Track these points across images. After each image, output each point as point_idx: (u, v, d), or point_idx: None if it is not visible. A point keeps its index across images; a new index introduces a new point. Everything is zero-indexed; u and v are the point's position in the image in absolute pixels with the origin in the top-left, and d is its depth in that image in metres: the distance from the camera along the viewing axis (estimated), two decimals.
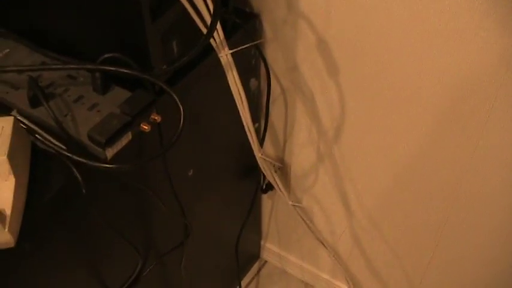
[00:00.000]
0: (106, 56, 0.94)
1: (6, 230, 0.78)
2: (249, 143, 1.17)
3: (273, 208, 1.66)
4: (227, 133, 1.30)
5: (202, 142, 1.21)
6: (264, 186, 1.50)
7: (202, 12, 0.93)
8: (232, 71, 1.00)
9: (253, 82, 1.27)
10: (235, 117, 1.12)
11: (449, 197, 1.22)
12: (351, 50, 1.14)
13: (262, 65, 1.25)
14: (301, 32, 1.18)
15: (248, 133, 1.10)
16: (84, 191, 0.89)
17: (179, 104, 0.89)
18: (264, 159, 1.17)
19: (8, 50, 1.08)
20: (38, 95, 0.94)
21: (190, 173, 1.20)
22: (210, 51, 1.01)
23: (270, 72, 1.22)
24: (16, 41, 1.09)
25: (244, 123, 1.07)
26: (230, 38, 1.03)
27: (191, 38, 0.99)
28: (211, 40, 0.97)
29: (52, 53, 1.04)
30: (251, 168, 1.43)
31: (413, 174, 1.25)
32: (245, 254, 1.69)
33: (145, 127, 0.93)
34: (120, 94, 0.98)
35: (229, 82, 1.01)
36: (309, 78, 1.25)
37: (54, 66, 1.00)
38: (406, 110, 1.15)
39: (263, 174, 1.36)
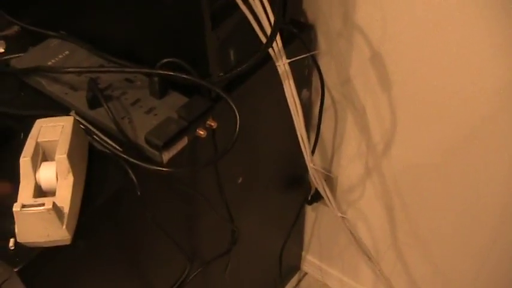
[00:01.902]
0: (165, 60, 0.95)
1: (64, 227, 0.80)
2: (298, 154, 1.17)
3: (317, 220, 1.66)
4: (278, 142, 1.30)
5: (253, 150, 1.22)
6: (310, 198, 1.50)
7: (262, 21, 0.94)
8: (289, 80, 1.00)
9: (305, 93, 1.28)
10: (286, 127, 1.13)
11: (500, 216, 1.21)
12: (405, 65, 1.14)
13: (314, 76, 1.26)
14: (356, 45, 1.19)
15: (301, 143, 1.10)
16: (139, 193, 0.90)
17: (236, 111, 0.90)
18: (316, 169, 1.17)
19: (67, 52, 1.10)
20: (98, 96, 0.96)
21: (240, 180, 1.21)
22: (266, 60, 1.01)
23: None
24: (76, 43, 1.10)
25: (298, 134, 1.08)
26: (286, 47, 1.03)
27: (248, 45, 1.00)
28: (270, 49, 0.97)
29: (110, 56, 1.06)
30: (298, 179, 1.43)
31: (463, 191, 1.24)
32: (286, 264, 1.69)
33: (202, 132, 0.94)
34: (176, 99, 0.99)
35: (286, 92, 1.02)
36: (361, 91, 1.25)
37: (113, 69, 1.02)
38: (459, 126, 1.14)
39: (310, 185, 1.36)
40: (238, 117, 0.91)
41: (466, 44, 1.02)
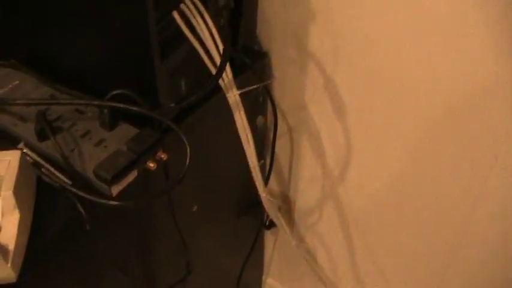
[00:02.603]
0: (114, 92, 0.94)
1: (9, 265, 0.78)
2: (254, 180, 1.16)
3: (276, 244, 1.66)
4: (232, 170, 1.30)
5: (207, 178, 1.21)
6: (268, 223, 1.49)
7: (211, 52, 0.94)
8: (239, 111, 1.00)
9: (259, 119, 1.28)
10: (240, 154, 1.12)
11: (453, 242, 1.22)
12: (359, 90, 1.15)
13: (269, 102, 1.26)
14: (309, 72, 1.19)
15: (254, 173, 1.10)
16: (88, 227, 0.88)
17: (186, 144, 0.90)
18: (269, 199, 1.16)
19: (17, 82, 1.08)
20: (46, 129, 0.95)
21: (194, 209, 1.20)
22: (217, 90, 1.01)
23: (277, 110, 1.22)
24: (25, 72, 1.09)
25: (250, 163, 1.07)
26: (238, 76, 1.03)
27: (199, 75, 1.00)
28: (220, 80, 0.97)
29: (61, 86, 1.05)
30: (255, 204, 1.42)
31: (417, 216, 1.25)
32: None
33: (152, 165, 0.93)
34: (127, 130, 0.98)
35: (237, 122, 1.02)
36: (316, 117, 1.25)
37: (62, 101, 1.01)
38: (412, 153, 1.14)
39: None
40: (188, 149, 0.90)
41: (423, 68, 1.03)
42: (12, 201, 0.82)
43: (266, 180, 1.27)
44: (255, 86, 1.04)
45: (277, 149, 1.36)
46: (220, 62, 0.91)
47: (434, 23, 0.97)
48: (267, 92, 1.16)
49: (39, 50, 1.09)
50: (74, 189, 0.89)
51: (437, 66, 1.01)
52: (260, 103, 1.26)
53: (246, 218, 1.49)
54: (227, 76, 0.97)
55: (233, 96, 0.98)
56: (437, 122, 1.08)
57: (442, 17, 0.95)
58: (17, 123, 1.01)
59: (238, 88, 0.99)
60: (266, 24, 1.19)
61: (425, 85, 1.04)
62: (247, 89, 1.00)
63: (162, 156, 0.95)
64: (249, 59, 1.13)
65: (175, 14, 0.90)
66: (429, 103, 1.06)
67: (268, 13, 1.18)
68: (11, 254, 0.79)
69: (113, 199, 0.89)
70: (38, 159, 0.96)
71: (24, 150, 0.97)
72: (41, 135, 0.96)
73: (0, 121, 1.01)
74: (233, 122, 1.06)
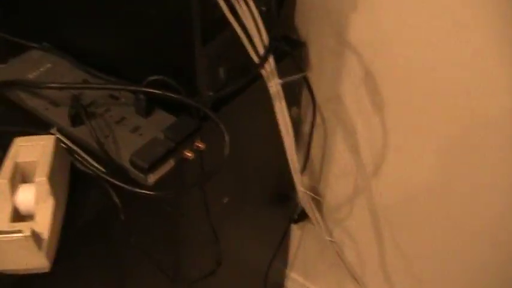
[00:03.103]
0: (152, 78, 0.91)
1: (43, 253, 0.75)
2: (285, 172, 1.13)
3: (302, 238, 1.63)
4: (265, 161, 1.27)
5: (241, 170, 1.18)
6: (297, 217, 1.46)
7: (254, 39, 0.91)
8: (280, 101, 0.97)
9: (294, 110, 1.24)
10: (275, 145, 1.09)
11: (490, 239, 1.18)
12: (397, 84, 1.12)
13: (304, 93, 1.22)
14: (348, 63, 1.16)
15: (291, 167, 1.07)
16: (122, 217, 0.86)
17: (226, 134, 0.86)
18: (306, 192, 1.13)
19: (49, 65, 1.06)
20: (81, 114, 0.92)
21: (225, 200, 1.17)
22: (257, 78, 0.98)
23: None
24: (58, 56, 1.06)
25: (289, 157, 1.04)
26: (277, 65, 1.00)
27: (238, 62, 0.96)
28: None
29: (94, 71, 1.02)
30: (284, 197, 1.40)
31: (453, 214, 1.21)
32: (270, 282, 1.65)
33: (189, 154, 0.90)
34: (163, 118, 0.95)
35: (277, 113, 0.98)
36: (352, 110, 1.22)
37: (97, 85, 0.98)
38: (452, 149, 1.11)
39: (296, 203, 1.33)
40: (227, 140, 0.87)
41: (461, 65, 0.99)
42: (46, 188, 0.79)
43: (301, 171, 1.24)
44: (297, 76, 1.00)
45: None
46: (264, 52, 0.88)
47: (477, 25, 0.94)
48: (307, 84, 1.12)
49: (73, 34, 1.06)
50: (108, 178, 0.86)
51: (481, 67, 0.97)
52: (296, 94, 1.23)
53: (275, 211, 1.46)
54: (269, 65, 0.93)
55: (275, 86, 0.95)
56: (475, 122, 1.04)
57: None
58: (48, 107, 0.98)
59: (279, 77, 0.95)
60: (304, 13, 1.16)
61: (464, 85, 1.01)
62: (289, 78, 0.97)
63: (200, 145, 0.92)
64: (288, 46, 1.09)
65: (220, 0, 0.86)
66: (468, 103, 1.02)
67: (307, 2, 1.14)
68: (45, 242, 0.76)
69: (150, 189, 0.86)
70: (71, 145, 0.93)
71: (57, 135, 0.94)
72: (75, 120, 0.94)
73: (31, 105, 0.99)
74: (270, 111, 1.03)
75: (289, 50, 1.06)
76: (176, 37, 0.89)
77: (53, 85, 0.97)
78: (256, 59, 0.92)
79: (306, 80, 1.12)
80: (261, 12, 0.91)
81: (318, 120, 1.29)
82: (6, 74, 1.04)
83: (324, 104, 1.26)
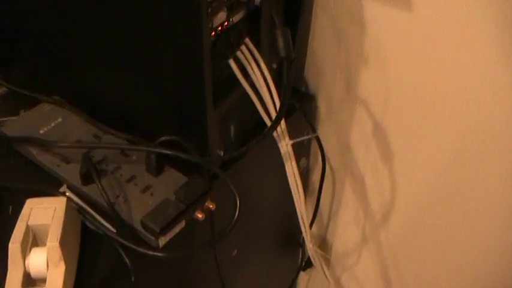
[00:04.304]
0: (163, 139, 0.92)
1: None
2: (294, 222, 1.13)
3: (309, 284, 1.62)
4: (274, 213, 1.27)
5: (250, 224, 1.18)
6: (304, 264, 1.46)
7: (265, 101, 0.91)
8: (291, 161, 0.97)
9: (303, 161, 1.24)
10: (284, 197, 1.09)
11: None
12: (408, 137, 1.11)
13: (312, 143, 1.22)
14: (358, 115, 1.16)
15: (301, 223, 1.06)
16: (133, 278, 0.86)
17: (236, 195, 0.87)
18: (316, 251, 1.13)
19: (60, 120, 1.06)
20: (92, 173, 0.92)
21: (235, 253, 1.17)
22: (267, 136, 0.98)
23: (325, 156, 1.18)
24: (69, 110, 1.07)
25: (299, 215, 1.04)
26: (286, 119, 1.00)
27: (249, 120, 0.97)
28: None
29: (105, 127, 1.02)
30: (292, 246, 1.40)
31: (461, 264, 1.21)
32: None
33: (200, 215, 0.90)
34: (174, 176, 0.96)
35: (288, 172, 0.98)
36: (361, 161, 1.22)
37: (109, 145, 0.98)
38: (460, 205, 1.11)
39: (304, 251, 1.32)
40: (238, 202, 0.87)
41: (474, 120, 0.99)
42: (58, 252, 0.79)
43: (310, 225, 1.24)
44: (308, 137, 1.01)
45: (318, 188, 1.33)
46: (276, 116, 0.88)
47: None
48: (318, 142, 1.12)
49: (84, 88, 1.06)
50: (119, 239, 0.86)
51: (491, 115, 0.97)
52: (305, 146, 1.23)
53: (283, 258, 1.45)
54: (280, 126, 0.94)
55: (285, 146, 0.95)
56: (487, 174, 1.04)
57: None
58: (60, 164, 0.98)
59: (290, 137, 0.95)
60: (315, 65, 1.16)
61: (475, 145, 1.01)
62: (300, 139, 0.97)
63: (211, 206, 0.92)
64: (297, 101, 1.09)
65: (231, 62, 0.87)
66: (484, 160, 1.02)
67: (318, 54, 1.15)
68: None
69: (160, 251, 0.86)
70: (82, 203, 0.93)
71: (68, 194, 0.94)
72: (86, 179, 0.94)
73: (43, 161, 0.99)
74: (280, 166, 1.03)
75: (299, 106, 1.06)
76: (187, 97, 0.89)
77: (64, 144, 0.98)
78: (267, 122, 0.92)
79: (317, 141, 1.11)
80: (271, 71, 0.92)
81: (327, 169, 1.29)
82: (17, 127, 1.05)
83: (332, 154, 1.26)
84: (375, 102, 1.12)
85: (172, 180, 0.95)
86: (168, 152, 0.91)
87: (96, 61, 1.00)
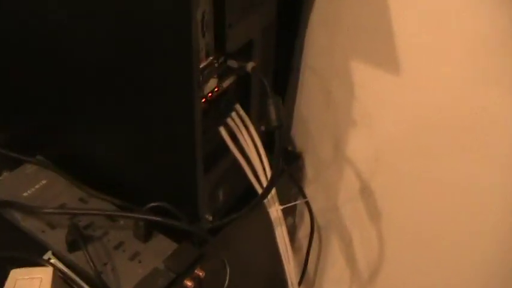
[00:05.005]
0: (151, 205, 0.90)
1: None
2: (282, 283, 1.11)
3: None
4: (262, 274, 1.25)
5: (238, 284, 1.16)
6: None
7: (256, 167, 0.90)
8: (281, 226, 0.95)
9: (289, 220, 1.23)
10: (271, 258, 1.07)
11: None
12: (397, 198, 1.11)
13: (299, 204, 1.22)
14: (346, 176, 1.16)
15: (290, 286, 1.05)
16: None
17: (226, 264, 0.85)
18: None
19: (44, 182, 1.04)
20: (79, 241, 0.90)
21: None
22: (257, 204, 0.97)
23: (314, 218, 1.17)
24: (53, 170, 1.05)
25: (288, 276, 1.02)
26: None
27: (238, 185, 0.96)
28: None
29: (91, 190, 1.00)
30: None
31: None
32: None
33: (189, 284, 0.88)
34: (162, 242, 0.94)
35: (277, 237, 0.97)
36: (349, 220, 1.21)
37: (95, 212, 0.96)
38: (452, 265, 1.10)
39: None
40: (228, 269, 0.86)
41: (462, 182, 0.99)
42: None
43: (298, 284, 1.22)
44: (298, 202, 1.00)
45: (304, 246, 1.32)
46: (267, 186, 0.87)
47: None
48: (306, 204, 1.11)
49: (70, 150, 1.05)
50: None
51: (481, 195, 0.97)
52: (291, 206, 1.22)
53: None
54: (270, 192, 0.93)
55: (275, 211, 0.94)
56: (480, 237, 1.04)
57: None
58: (45, 229, 0.96)
59: (280, 202, 0.94)
60: (302, 124, 1.16)
61: (470, 202, 1.01)
62: (290, 204, 0.96)
63: (200, 273, 0.90)
64: (284, 161, 1.09)
65: (222, 129, 0.86)
66: (474, 225, 1.02)
67: (305, 113, 1.15)
68: None
69: None
70: (68, 272, 0.91)
71: (53, 261, 0.92)
72: (72, 246, 0.92)
73: (27, 226, 0.97)
74: (269, 230, 1.01)
75: (286, 168, 1.05)
76: (177, 163, 0.88)
77: (48, 211, 0.96)
78: (258, 188, 0.91)
79: (308, 206, 1.10)
80: (260, 134, 0.91)
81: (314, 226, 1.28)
82: (2, 188, 1.03)
83: (320, 212, 1.25)
84: (363, 163, 1.12)
85: (161, 246, 0.93)
86: (158, 219, 0.89)
87: (84, 124, 0.98)
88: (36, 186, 1.03)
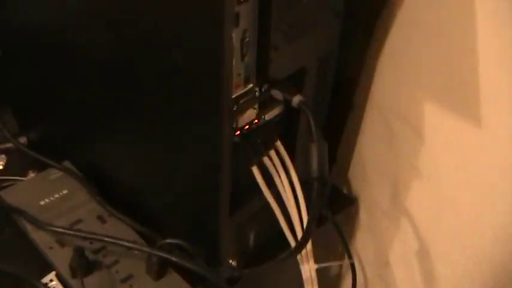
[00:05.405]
0: (168, 241, 0.80)
1: None
2: None
3: None
4: None
5: None
6: None
7: (291, 215, 0.77)
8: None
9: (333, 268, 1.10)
10: None
11: None
12: (455, 264, 0.96)
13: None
14: (402, 229, 1.02)
15: None
16: None
17: None
18: None
19: (66, 191, 0.97)
20: (82, 269, 0.80)
21: None
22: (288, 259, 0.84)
23: (355, 259, 1.04)
24: (77, 180, 0.98)
25: None
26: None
27: (267, 232, 0.84)
28: None
29: (113, 209, 0.91)
30: None
31: None
32: None
33: None
34: (175, 283, 0.83)
35: None
36: (400, 279, 1.07)
37: (107, 239, 0.85)
38: None
39: None
40: None
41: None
42: None
43: None
44: (338, 262, 0.86)
45: None
46: (302, 238, 0.74)
47: None
48: (351, 266, 0.97)
49: (97, 161, 0.98)
50: None
51: None
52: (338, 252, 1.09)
53: None
54: (305, 248, 0.80)
55: (308, 271, 0.81)
56: None
57: None
58: (53, 246, 0.88)
59: (316, 260, 0.81)
60: (361, 167, 1.03)
61: None
62: (326, 264, 0.82)
63: None
64: (336, 204, 0.96)
65: (255, 169, 0.74)
66: None
67: (365, 155, 1.02)
68: None
69: None
70: None
71: (54, 283, 0.83)
72: (75, 273, 0.83)
73: (37, 240, 0.89)
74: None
75: (331, 215, 0.92)
76: (201, 200, 0.77)
77: (56, 229, 0.86)
78: (291, 240, 0.78)
79: (351, 265, 0.97)
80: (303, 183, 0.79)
81: (361, 279, 1.15)
82: (21, 192, 0.97)
83: (369, 265, 1.12)
84: (424, 219, 0.98)
85: (173, 286, 0.82)
86: (172, 258, 0.78)
87: (114, 138, 0.91)
88: (56, 196, 0.96)
